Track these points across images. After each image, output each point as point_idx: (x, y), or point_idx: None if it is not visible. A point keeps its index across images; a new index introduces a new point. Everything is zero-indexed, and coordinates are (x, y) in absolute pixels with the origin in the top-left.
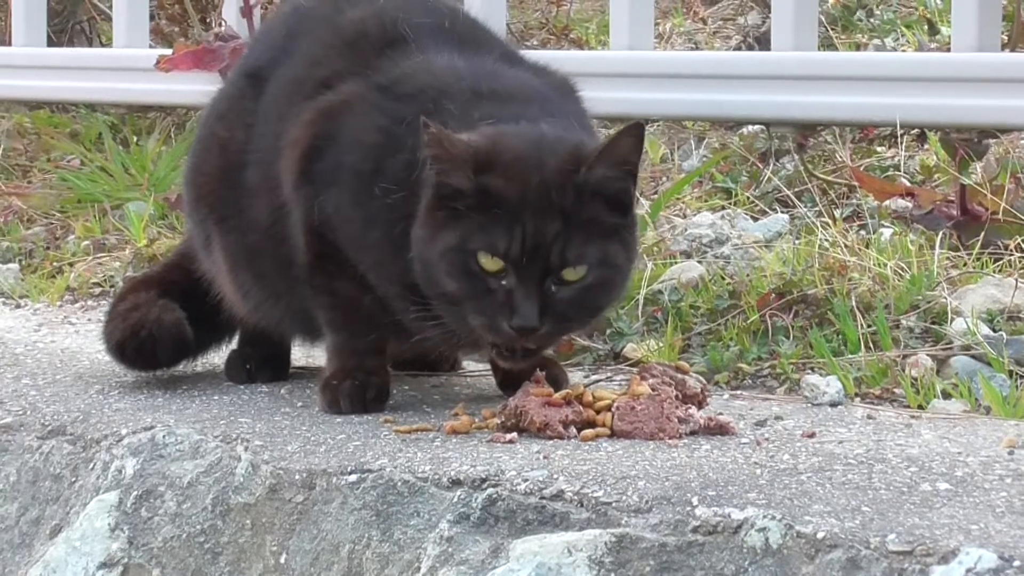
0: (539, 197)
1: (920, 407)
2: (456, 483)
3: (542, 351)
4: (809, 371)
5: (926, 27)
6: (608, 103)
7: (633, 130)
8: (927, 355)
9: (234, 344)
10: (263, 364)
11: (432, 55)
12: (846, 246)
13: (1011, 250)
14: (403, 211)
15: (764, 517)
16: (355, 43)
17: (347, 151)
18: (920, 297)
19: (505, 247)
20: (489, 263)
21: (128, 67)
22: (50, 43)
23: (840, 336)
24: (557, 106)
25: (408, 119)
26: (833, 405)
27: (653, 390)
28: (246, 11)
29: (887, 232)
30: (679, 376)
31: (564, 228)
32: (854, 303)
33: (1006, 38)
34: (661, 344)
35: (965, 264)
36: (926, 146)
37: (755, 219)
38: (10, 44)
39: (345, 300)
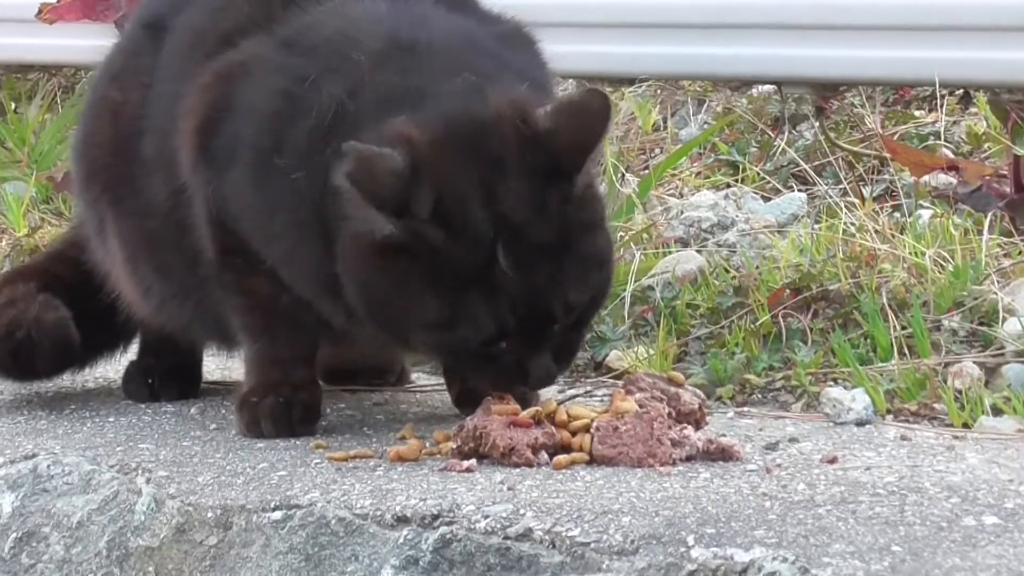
0: (508, 237)
1: (965, 425)
2: (402, 520)
3: None
4: (831, 383)
5: None
6: (585, 58)
7: (602, 106)
8: (973, 363)
9: (133, 353)
10: (168, 377)
11: None
12: (876, 231)
13: None
14: (308, 191)
15: (774, 559)
16: None
17: (244, 123)
18: (965, 293)
19: (498, 327)
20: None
21: (4, 18)
22: None
23: (868, 341)
24: (499, 60)
25: (311, 77)
26: (859, 424)
27: (641, 407)
28: None
29: (925, 214)
30: (672, 390)
31: (554, 266)
32: (885, 300)
33: None
34: (651, 351)
35: (1020, 252)
36: (972, 110)
37: (766, 199)
38: None
39: (261, 300)
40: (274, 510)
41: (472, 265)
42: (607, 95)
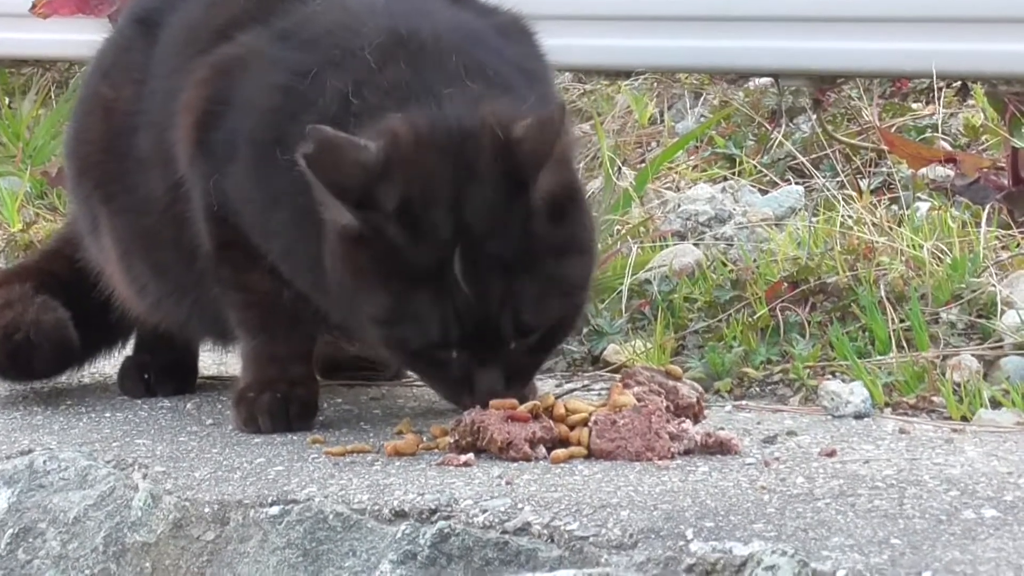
0: (464, 241)
1: (963, 418)
2: (400, 515)
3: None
4: (829, 376)
5: None
6: (582, 51)
7: (556, 115)
8: (972, 355)
9: (129, 350)
10: (164, 374)
11: None
12: (874, 224)
13: None
14: (308, 185)
15: (773, 552)
16: None
17: (243, 117)
18: (963, 285)
19: (441, 332)
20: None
21: None
22: None
23: (866, 333)
24: (498, 53)
25: (312, 71)
26: (858, 417)
27: (639, 401)
28: None
29: (923, 207)
30: (671, 383)
31: (509, 280)
32: (883, 293)
33: None
34: (649, 345)
35: (1018, 245)
36: (970, 102)
37: (763, 192)
38: None
39: (260, 296)
40: (271, 505)
41: (427, 268)
42: (564, 109)
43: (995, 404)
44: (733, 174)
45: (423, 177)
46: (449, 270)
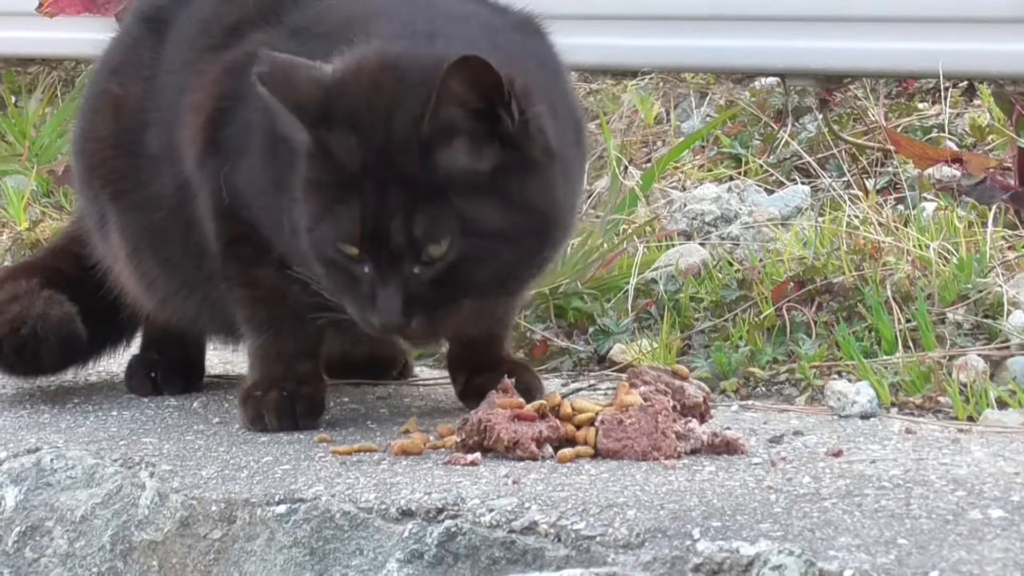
0: (381, 158)
1: (970, 418)
2: (407, 514)
3: (440, 339)
4: (835, 376)
5: None
6: (592, 51)
7: (465, 64)
8: (978, 355)
9: (136, 347)
10: (171, 372)
11: None
12: (880, 224)
13: None
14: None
15: (780, 552)
16: None
17: (255, 110)
18: (970, 285)
19: (351, 230)
20: (345, 248)
21: (5, 11)
22: None
23: (873, 334)
24: (509, 44)
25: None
26: (864, 417)
27: (645, 400)
28: None
29: (929, 207)
30: (677, 383)
31: (408, 196)
32: (890, 293)
33: None
34: (655, 344)
35: None
36: (976, 102)
37: (769, 191)
38: None
39: (267, 292)
40: (278, 504)
41: (352, 180)
42: (482, 60)
43: (1001, 404)
44: (739, 174)
45: (369, 97)
46: (365, 174)
